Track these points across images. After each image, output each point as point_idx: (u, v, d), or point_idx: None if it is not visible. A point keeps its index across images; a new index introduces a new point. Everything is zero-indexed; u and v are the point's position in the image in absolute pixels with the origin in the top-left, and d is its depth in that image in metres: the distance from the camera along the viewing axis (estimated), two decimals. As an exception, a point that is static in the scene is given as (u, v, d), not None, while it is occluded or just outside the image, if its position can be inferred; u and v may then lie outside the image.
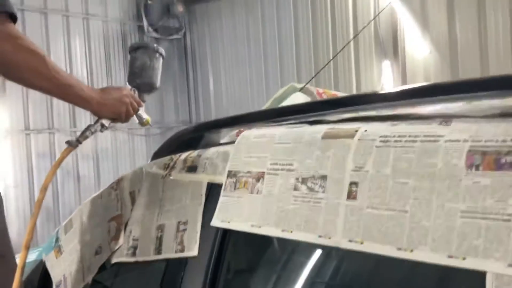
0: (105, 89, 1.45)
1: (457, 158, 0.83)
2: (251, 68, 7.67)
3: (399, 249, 0.86)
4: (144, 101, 1.55)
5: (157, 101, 7.59)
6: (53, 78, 1.27)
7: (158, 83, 1.57)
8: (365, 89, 6.18)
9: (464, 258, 0.78)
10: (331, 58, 5.82)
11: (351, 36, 6.04)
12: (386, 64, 6.04)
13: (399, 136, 0.93)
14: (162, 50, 1.58)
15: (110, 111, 1.41)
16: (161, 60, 1.58)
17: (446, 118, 0.93)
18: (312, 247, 1.10)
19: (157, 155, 1.65)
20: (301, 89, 2.21)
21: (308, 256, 1.15)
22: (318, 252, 1.14)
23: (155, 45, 1.59)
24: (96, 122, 1.43)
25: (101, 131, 1.44)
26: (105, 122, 1.43)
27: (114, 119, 1.44)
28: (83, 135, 1.42)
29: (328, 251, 1.09)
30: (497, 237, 0.75)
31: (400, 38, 5.88)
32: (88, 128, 1.43)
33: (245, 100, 7.71)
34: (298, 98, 2.14)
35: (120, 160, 6.90)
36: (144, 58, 1.53)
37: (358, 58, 6.27)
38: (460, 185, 0.81)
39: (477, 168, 0.80)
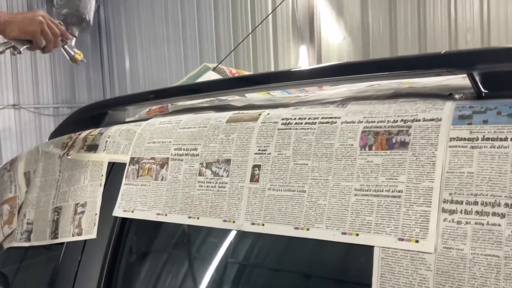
0: (18, 12, 1.37)
1: (352, 139, 0.86)
2: (169, 46, 7.49)
3: (296, 228, 0.87)
4: (74, 36, 1.45)
5: (67, 78, 7.20)
6: None
7: (88, 16, 1.55)
8: (283, 72, 6.27)
9: (357, 234, 0.81)
10: (249, 37, 5.82)
11: (270, 18, 6.09)
12: (303, 49, 6.17)
13: (299, 119, 0.95)
14: None
15: (18, 29, 1.28)
16: None
17: (343, 101, 0.95)
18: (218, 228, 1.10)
19: (55, 134, 1.55)
20: (214, 69, 2.18)
21: (215, 236, 1.14)
22: (225, 233, 1.13)
23: None
24: (6, 42, 1.30)
25: (13, 54, 1.31)
26: (19, 45, 1.30)
27: (30, 44, 1.31)
28: None
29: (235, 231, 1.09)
30: (388, 212, 0.78)
31: (316, 24, 6.02)
32: None
33: (163, 80, 7.54)
34: (211, 78, 2.11)
35: (25, 140, 6.48)
36: None
37: (277, 42, 6.34)
38: (354, 165, 0.84)
39: (370, 148, 0.83)
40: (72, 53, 1.44)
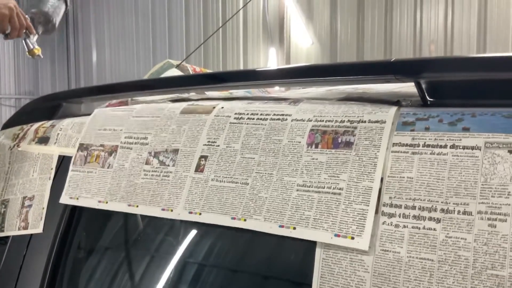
0: None
1: (300, 136, 0.87)
2: (138, 41, 7.39)
3: (233, 218, 0.88)
4: (37, 33, 1.59)
5: (31, 70, 7.01)
6: None
7: (54, 20, 1.67)
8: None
9: (294, 228, 0.81)
10: (219, 36, 5.81)
11: (241, 15, 6.10)
12: (272, 51, 6.20)
13: (252, 114, 0.96)
14: None
15: None
16: (63, 5, 1.69)
17: (296, 99, 0.96)
18: (170, 222, 1.09)
19: (8, 124, 1.51)
20: (177, 66, 2.16)
21: (165, 231, 1.13)
22: (177, 227, 1.12)
23: None
24: None
25: None
26: None
27: None
28: None
29: (189, 225, 1.08)
30: (327, 209, 0.79)
31: (287, 27, 6.06)
32: None
33: (131, 74, 7.43)
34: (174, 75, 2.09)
35: (-16, 130, 6.27)
36: None
37: (246, 43, 6.35)
38: (300, 161, 0.85)
39: (316, 146, 0.85)
40: (31, 47, 1.58)
